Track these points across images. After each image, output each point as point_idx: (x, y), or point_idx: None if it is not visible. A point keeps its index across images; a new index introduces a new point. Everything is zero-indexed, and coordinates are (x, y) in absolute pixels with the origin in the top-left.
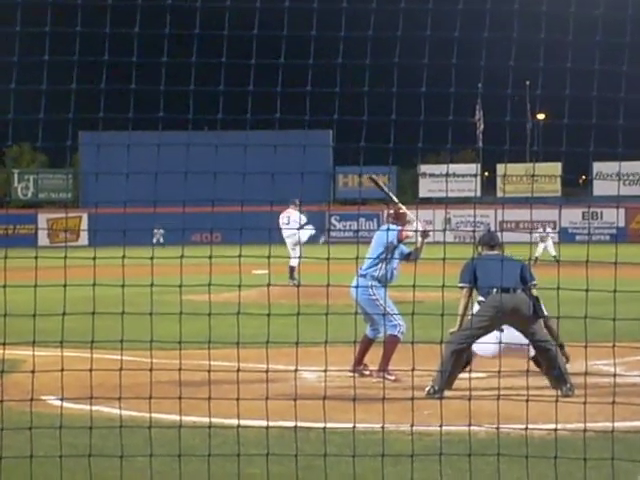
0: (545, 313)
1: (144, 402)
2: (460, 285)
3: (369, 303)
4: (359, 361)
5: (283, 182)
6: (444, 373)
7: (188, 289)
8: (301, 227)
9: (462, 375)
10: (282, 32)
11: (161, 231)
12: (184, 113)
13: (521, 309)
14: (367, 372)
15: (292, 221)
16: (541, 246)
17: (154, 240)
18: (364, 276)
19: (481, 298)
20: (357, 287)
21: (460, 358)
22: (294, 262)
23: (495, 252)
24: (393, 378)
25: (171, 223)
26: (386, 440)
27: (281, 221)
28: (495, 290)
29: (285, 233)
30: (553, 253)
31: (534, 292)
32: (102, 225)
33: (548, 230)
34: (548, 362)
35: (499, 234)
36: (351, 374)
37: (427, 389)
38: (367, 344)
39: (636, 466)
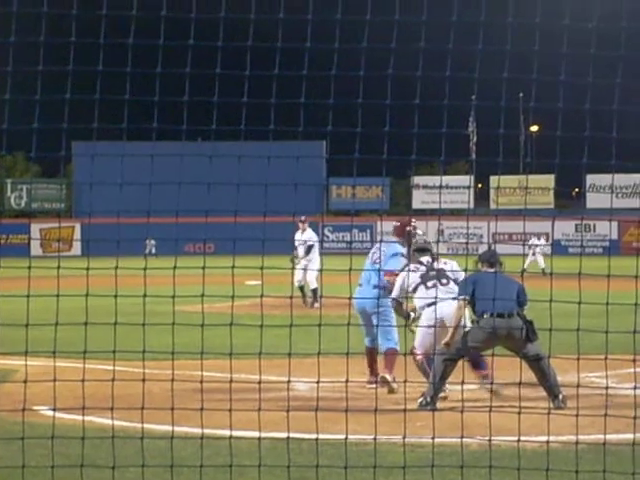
0: (537, 337)
1: (136, 412)
2: (459, 297)
3: (376, 314)
4: (374, 371)
5: (276, 193)
6: (435, 384)
7: (181, 300)
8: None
9: (455, 387)
10: (276, 43)
11: (152, 242)
12: (178, 124)
13: (514, 334)
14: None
15: (310, 240)
16: (530, 258)
17: (146, 251)
18: (375, 287)
19: (475, 318)
20: (373, 290)
21: (450, 369)
22: (314, 284)
23: (493, 270)
24: (368, 387)
25: (164, 233)
26: (378, 452)
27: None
28: (489, 314)
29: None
30: (542, 265)
31: (526, 315)
32: (95, 235)
33: (536, 241)
34: (540, 374)
35: (493, 245)
36: (369, 385)
37: (419, 401)
38: (372, 353)
39: (627, 478)
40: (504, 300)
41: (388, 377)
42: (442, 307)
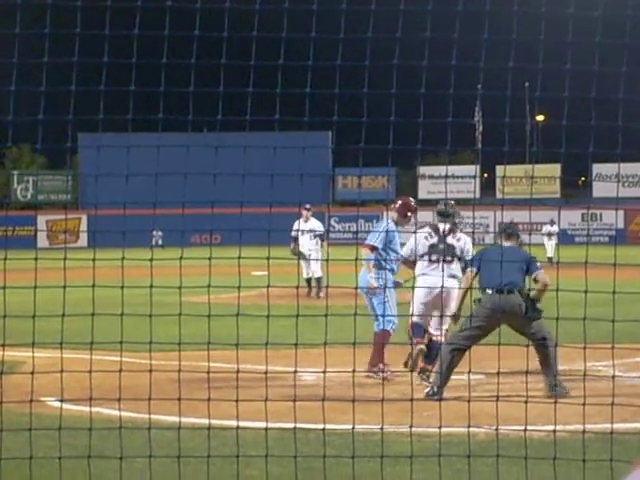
0: (539, 315)
1: (143, 403)
2: (467, 270)
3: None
4: (382, 360)
5: (282, 184)
6: (442, 374)
7: (187, 290)
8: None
9: (461, 377)
10: (281, 33)
11: (159, 233)
12: (184, 115)
13: (514, 311)
14: (389, 371)
15: (318, 230)
16: (548, 244)
17: (153, 242)
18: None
19: (479, 295)
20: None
21: (458, 358)
22: (318, 273)
23: (509, 243)
24: (389, 373)
25: (171, 225)
26: (385, 441)
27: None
28: (491, 290)
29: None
30: (550, 254)
31: (532, 293)
32: (101, 227)
33: (550, 228)
34: (541, 357)
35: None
36: (374, 375)
37: (426, 390)
38: (382, 341)
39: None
40: (506, 275)
41: (386, 373)
42: (436, 281)
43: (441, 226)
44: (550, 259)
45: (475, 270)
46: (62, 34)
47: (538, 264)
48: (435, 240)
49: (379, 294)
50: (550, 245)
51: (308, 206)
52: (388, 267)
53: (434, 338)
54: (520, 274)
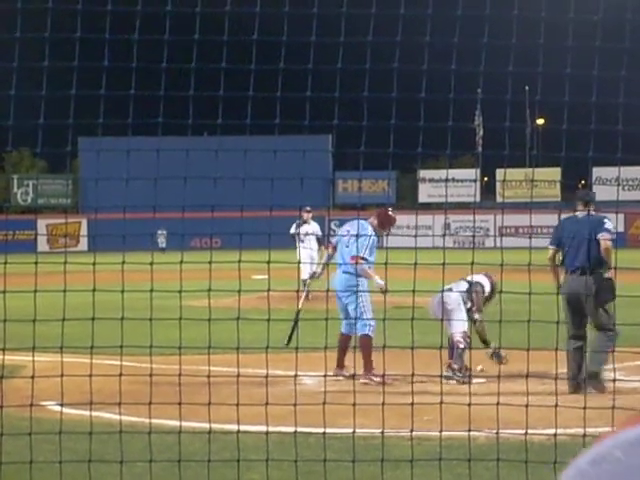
0: (610, 299)
1: (144, 407)
2: (549, 246)
3: (352, 295)
4: (342, 363)
5: (283, 187)
6: (571, 371)
7: (188, 294)
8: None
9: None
10: (282, 37)
11: (164, 232)
12: (184, 118)
13: (580, 292)
14: (347, 374)
15: (311, 232)
16: None
17: (158, 242)
18: (345, 272)
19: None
20: (343, 276)
21: (578, 353)
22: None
23: (587, 210)
24: (378, 380)
25: (171, 228)
26: (386, 445)
27: (302, 230)
28: (566, 272)
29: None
30: None
31: (608, 274)
32: (102, 231)
33: None
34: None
35: (500, 239)
36: (342, 378)
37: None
38: (346, 342)
39: None
40: (580, 253)
41: (375, 379)
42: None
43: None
44: None
45: (553, 247)
46: (62, 38)
47: (607, 225)
48: None
49: (356, 298)
50: None
51: (308, 208)
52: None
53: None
54: (590, 255)
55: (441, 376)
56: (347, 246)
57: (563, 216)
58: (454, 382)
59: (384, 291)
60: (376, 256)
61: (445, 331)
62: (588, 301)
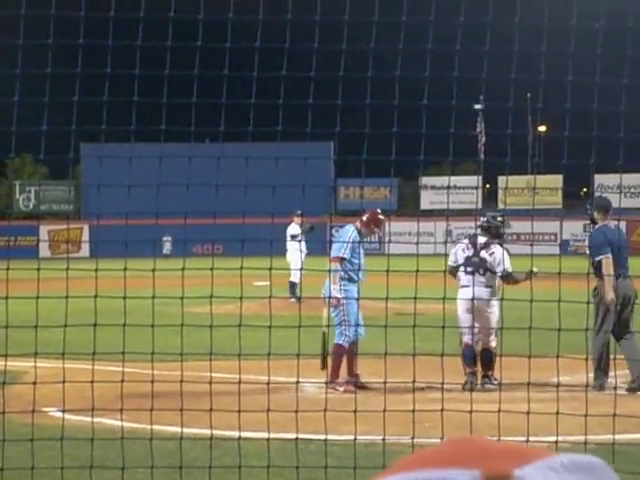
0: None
1: (145, 414)
2: (604, 257)
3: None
4: (351, 372)
5: (284, 194)
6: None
7: (189, 301)
8: (295, 239)
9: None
10: (284, 45)
11: (169, 239)
12: (186, 125)
13: (630, 294)
14: (358, 380)
15: (293, 234)
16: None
17: (164, 250)
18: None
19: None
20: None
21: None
22: (296, 277)
23: (607, 219)
24: (342, 389)
25: (173, 235)
26: (387, 452)
27: (289, 233)
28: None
29: (289, 246)
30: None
31: None
32: (104, 237)
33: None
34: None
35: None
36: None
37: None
38: (348, 353)
39: (637, 478)
40: (622, 259)
41: (339, 389)
42: (471, 292)
43: (480, 239)
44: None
45: (609, 255)
46: (65, 45)
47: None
48: (470, 252)
49: (339, 307)
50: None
51: (299, 212)
52: (355, 278)
53: (485, 346)
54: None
55: (466, 387)
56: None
57: (597, 226)
58: (494, 387)
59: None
60: (373, 262)
61: (460, 337)
62: (631, 302)
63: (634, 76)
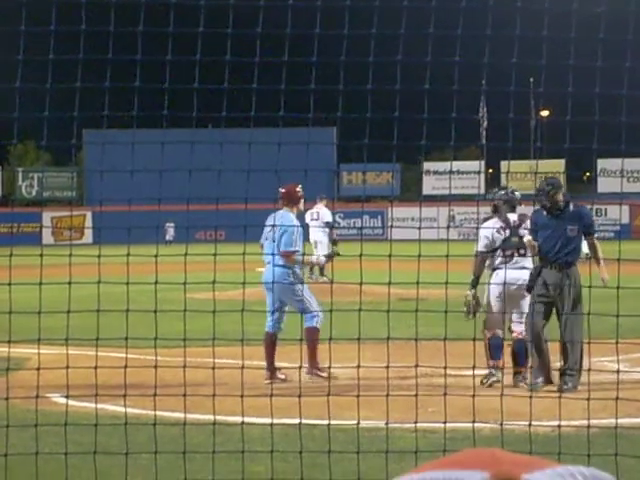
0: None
1: (149, 399)
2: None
3: (288, 290)
4: (272, 364)
5: (287, 179)
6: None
7: (192, 287)
8: (332, 226)
9: (466, 372)
10: (286, 30)
11: (172, 225)
12: (188, 111)
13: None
14: (282, 376)
15: (322, 217)
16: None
17: (166, 237)
18: (277, 266)
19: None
20: (275, 269)
21: None
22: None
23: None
24: (325, 375)
25: (176, 221)
26: (390, 437)
27: (309, 217)
28: None
29: (313, 229)
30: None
31: None
32: (106, 223)
33: None
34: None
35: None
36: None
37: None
38: (274, 341)
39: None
40: None
41: (322, 374)
42: (513, 275)
43: (511, 217)
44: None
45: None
46: (67, 31)
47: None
48: (508, 233)
49: (295, 292)
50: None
51: (324, 195)
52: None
53: (519, 336)
54: None
55: (485, 382)
56: (274, 240)
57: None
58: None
59: (331, 256)
60: (375, 248)
61: (486, 325)
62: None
63: (636, 60)
